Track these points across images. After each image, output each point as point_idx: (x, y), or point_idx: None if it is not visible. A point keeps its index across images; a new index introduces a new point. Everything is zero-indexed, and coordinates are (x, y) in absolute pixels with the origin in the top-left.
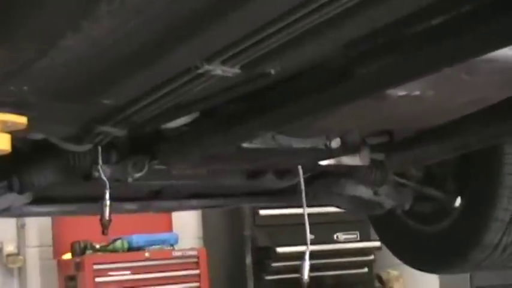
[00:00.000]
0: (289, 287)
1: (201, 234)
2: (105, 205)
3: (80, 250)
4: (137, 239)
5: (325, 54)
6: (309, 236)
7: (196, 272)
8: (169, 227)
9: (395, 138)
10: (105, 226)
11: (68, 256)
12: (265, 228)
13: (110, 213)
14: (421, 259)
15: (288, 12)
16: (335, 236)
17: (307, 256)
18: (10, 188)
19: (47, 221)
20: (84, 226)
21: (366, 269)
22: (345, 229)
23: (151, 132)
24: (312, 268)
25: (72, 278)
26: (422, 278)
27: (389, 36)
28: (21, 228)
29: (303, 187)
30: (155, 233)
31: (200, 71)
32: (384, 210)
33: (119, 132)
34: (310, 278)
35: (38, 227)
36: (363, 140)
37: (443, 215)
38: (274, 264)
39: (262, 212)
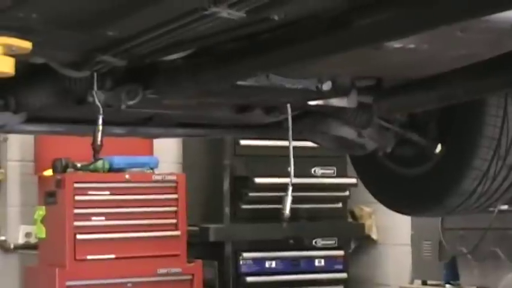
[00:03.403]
0: (264, 216)
1: (180, 160)
2: (98, 130)
3: (61, 168)
4: (118, 160)
5: (327, 5)
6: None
7: (175, 196)
8: (150, 151)
9: (385, 84)
10: (96, 150)
11: (49, 173)
12: (245, 158)
13: (102, 138)
14: (398, 201)
15: None
16: (312, 170)
17: (289, 191)
18: (6, 107)
19: (29, 137)
20: (65, 144)
21: (340, 204)
22: (322, 164)
23: (147, 63)
24: None
25: (52, 194)
26: (394, 216)
27: None
28: (3, 142)
29: (290, 124)
30: (136, 155)
31: (207, 12)
32: (366, 152)
33: (118, 62)
34: None
35: (20, 142)
36: (352, 83)
37: (423, 160)
38: (251, 194)
39: (243, 142)
